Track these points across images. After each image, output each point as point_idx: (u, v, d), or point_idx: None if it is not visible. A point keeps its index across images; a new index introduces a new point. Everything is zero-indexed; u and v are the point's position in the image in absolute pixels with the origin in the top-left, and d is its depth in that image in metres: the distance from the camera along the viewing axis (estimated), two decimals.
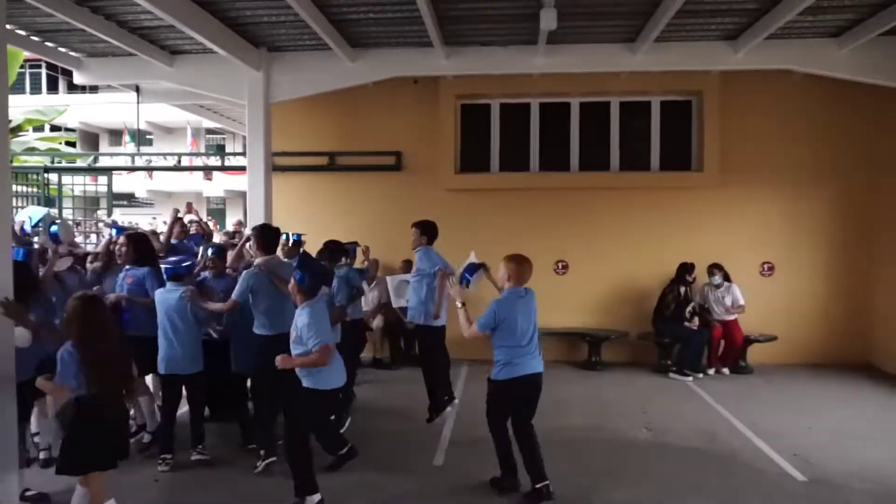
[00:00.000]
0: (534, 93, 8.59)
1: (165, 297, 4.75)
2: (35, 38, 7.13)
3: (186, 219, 7.37)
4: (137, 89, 8.96)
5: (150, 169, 11.88)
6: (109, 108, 22.74)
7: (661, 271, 8.09)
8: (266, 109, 7.57)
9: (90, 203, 14.37)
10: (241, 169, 9.57)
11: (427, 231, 5.70)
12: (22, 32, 6.97)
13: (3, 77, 3.76)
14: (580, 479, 4.64)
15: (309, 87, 7.74)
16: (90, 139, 28.44)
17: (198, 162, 19.24)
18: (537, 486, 4.21)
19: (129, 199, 25.74)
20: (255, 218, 7.40)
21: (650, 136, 8.65)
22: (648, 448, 5.37)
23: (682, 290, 7.79)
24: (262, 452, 4.72)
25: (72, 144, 23.39)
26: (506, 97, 8.74)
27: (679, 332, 7.75)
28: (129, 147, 24.70)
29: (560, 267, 8.65)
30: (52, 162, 10.77)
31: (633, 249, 8.49)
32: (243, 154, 15.91)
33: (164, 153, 17.06)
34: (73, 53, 7.79)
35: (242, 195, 26.72)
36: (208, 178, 25.05)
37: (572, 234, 8.59)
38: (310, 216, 8.40)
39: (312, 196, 8.81)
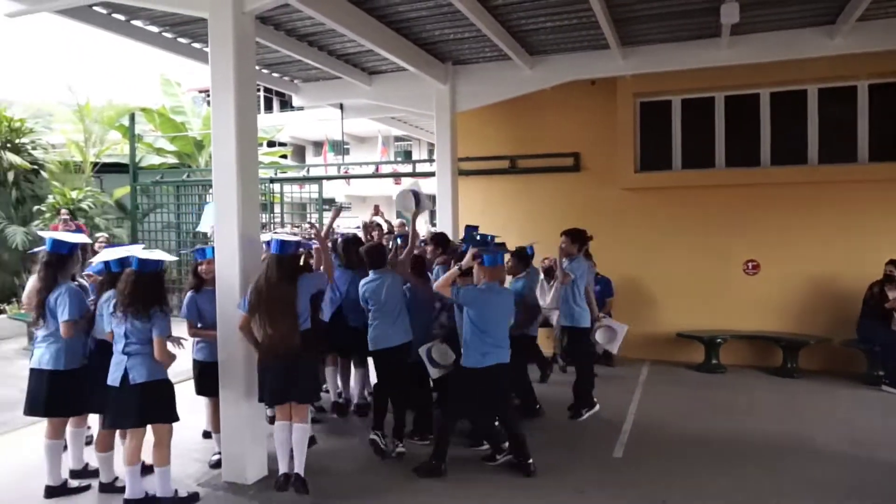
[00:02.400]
0: (718, 86, 8.26)
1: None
2: (264, 71, 8.46)
3: (375, 220, 8.25)
4: (341, 107, 10.14)
5: (352, 177, 13.26)
6: (314, 123, 25.58)
7: (867, 272, 7.33)
8: (452, 118, 8.20)
9: (298, 208, 16.42)
10: (428, 174, 10.43)
11: (578, 239, 5.89)
12: (257, 67, 8.33)
13: (253, 107, 4.65)
14: (770, 486, 4.51)
15: (490, 95, 8.22)
16: (298, 151, 32.12)
17: (388, 169, 20.90)
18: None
19: (329, 204, 28.66)
20: (444, 219, 8.06)
21: (856, 124, 7.88)
22: (852, 461, 4.97)
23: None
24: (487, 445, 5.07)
25: (283, 157, 26.63)
26: (687, 93, 8.50)
27: (889, 338, 6.99)
28: (330, 157, 27.53)
29: (750, 267, 8.21)
30: (275, 174, 12.51)
31: (834, 248, 7.80)
32: (428, 160, 16.99)
33: (361, 162, 18.82)
34: (292, 80, 9.10)
35: (430, 198, 28.49)
36: (397, 182, 27.03)
37: (763, 232, 8.11)
38: (491, 217, 8.88)
39: (494, 198, 9.31)
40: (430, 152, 28.45)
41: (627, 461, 4.99)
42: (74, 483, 4.51)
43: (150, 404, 4.00)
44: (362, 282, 5.23)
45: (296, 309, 4.18)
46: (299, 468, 4.23)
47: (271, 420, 5.03)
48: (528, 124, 9.19)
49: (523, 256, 6.18)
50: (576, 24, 6.70)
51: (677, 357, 8.27)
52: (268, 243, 4.33)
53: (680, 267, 8.39)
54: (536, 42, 7.38)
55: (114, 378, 3.99)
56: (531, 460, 4.67)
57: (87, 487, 4.50)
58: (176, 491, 4.20)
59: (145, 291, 3.95)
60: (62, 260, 4.35)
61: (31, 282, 4.53)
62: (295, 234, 7.44)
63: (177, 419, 4.14)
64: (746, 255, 8.19)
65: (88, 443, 4.97)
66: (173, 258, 4.89)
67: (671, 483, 4.54)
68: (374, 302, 5.10)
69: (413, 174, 10.74)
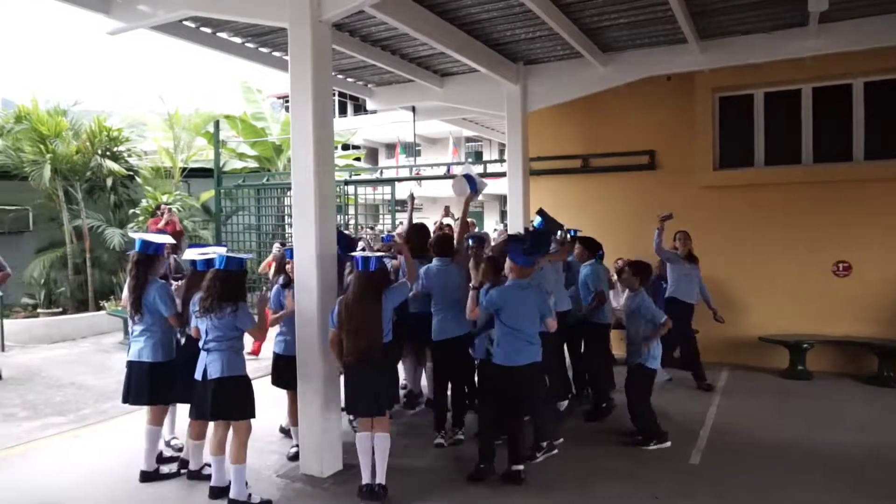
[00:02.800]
0: (804, 78, 7.83)
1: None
2: (340, 76, 8.71)
3: (444, 221, 8.32)
4: (413, 109, 10.31)
5: (424, 178, 13.43)
6: (386, 126, 26.08)
7: None
8: (523, 118, 8.17)
9: (371, 210, 16.76)
10: (498, 174, 10.43)
11: (641, 272, 5.62)
12: (333, 73, 8.60)
13: (329, 112, 4.81)
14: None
15: (562, 94, 8.14)
16: (371, 154, 32.81)
17: (459, 169, 21.05)
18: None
19: (401, 205, 29.09)
20: (514, 219, 8.05)
21: None
22: None
23: None
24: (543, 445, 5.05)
25: (357, 160, 27.28)
26: (770, 86, 8.11)
27: None
28: (402, 159, 27.99)
29: (841, 268, 7.74)
30: (350, 176, 12.85)
31: None
32: (499, 160, 16.96)
33: (433, 164, 19.02)
34: (366, 85, 9.32)
35: (498, 198, 28.47)
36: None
37: (856, 232, 7.62)
38: (562, 218, 8.72)
39: (566, 198, 9.20)
40: (501, 152, 28.42)
41: (705, 469, 4.82)
42: (165, 469, 4.80)
43: (224, 400, 4.15)
44: (424, 267, 5.33)
45: (380, 324, 4.24)
46: (381, 477, 4.30)
47: (353, 425, 5.26)
48: (600, 122, 9.03)
49: (592, 243, 6.35)
50: (651, 18, 6.55)
51: (760, 362, 7.91)
52: (353, 258, 4.43)
53: (762, 268, 8.02)
54: (609, 39, 7.26)
55: (198, 372, 4.23)
56: (521, 467, 4.58)
57: (177, 474, 4.77)
58: (250, 495, 4.24)
59: (225, 289, 4.14)
60: (150, 259, 4.69)
61: (128, 281, 4.87)
62: (373, 236, 7.63)
63: (251, 416, 4.28)
64: (837, 256, 7.73)
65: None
66: (249, 256, 5.11)
67: (750, 494, 4.37)
68: (435, 289, 5.25)
69: (484, 175, 10.76)
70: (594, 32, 7.01)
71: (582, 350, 6.36)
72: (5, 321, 9.71)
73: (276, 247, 5.86)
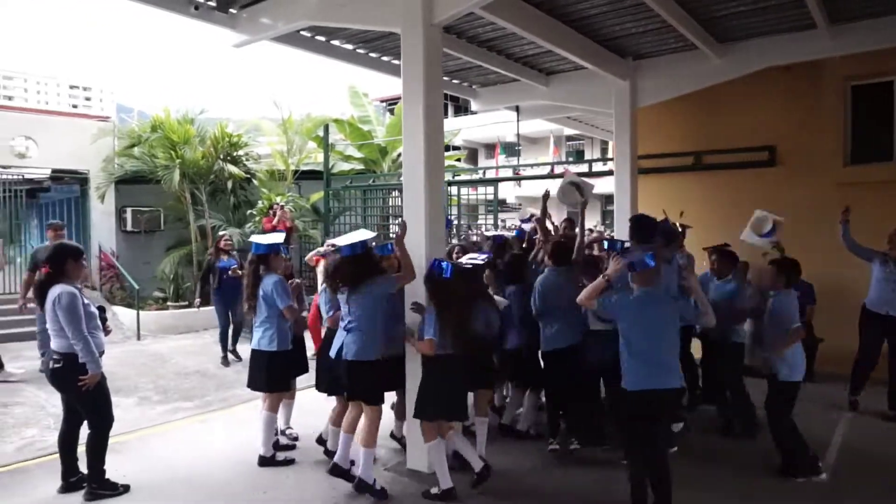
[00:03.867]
0: None
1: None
2: (445, 78, 8.82)
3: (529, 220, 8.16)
4: (517, 109, 10.26)
5: (526, 178, 13.36)
6: (486, 127, 26.13)
7: None
8: (632, 115, 7.92)
9: (471, 210, 16.83)
10: (601, 174, 10.18)
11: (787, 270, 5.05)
12: None
13: (440, 113, 4.88)
14: None
15: (674, 89, 7.83)
16: (471, 154, 33.03)
17: (562, 169, 20.72)
18: None
19: (500, 205, 29.10)
20: (621, 219, 7.81)
21: None
22: None
23: None
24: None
25: (457, 160, 27.55)
26: None
27: None
28: (502, 159, 27.96)
29: None
30: (452, 177, 13.00)
31: None
32: (602, 159, 16.50)
33: (535, 163, 18.86)
34: (470, 86, 9.38)
35: (600, 198, 27.79)
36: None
37: None
38: (673, 218, 8.42)
39: (675, 197, 8.79)
40: (604, 150, 27.74)
41: (835, 487, 4.48)
42: (281, 456, 5.06)
43: (356, 382, 4.34)
44: (540, 278, 5.20)
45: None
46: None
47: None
48: (714, 117, 8.57)
49: (730, 255, 5.66)
50: (775, 4, 6.15)
51: None
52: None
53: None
54: (726, 28, 6.89)
55: (333, 350, 4.49)
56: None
57: (293, 461, 5.02)
58: (375, 480, 4.38)
59: (355, 271, 4.32)
60: (265, 258, 5.02)
61: (246, 278, 5.22)
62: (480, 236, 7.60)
63: (379, 402, 4.42)
64: None
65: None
66: (372, 234, 5.07)
67: None
68: (551, 299, 5.06)
69: (588, 174, 10.52)
70: (710, 22, 6.68)
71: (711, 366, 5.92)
72: (140, 313, 10.62)
73: (327, 245, 5.66)
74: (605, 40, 7.21)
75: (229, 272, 8.57)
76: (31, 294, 7.71)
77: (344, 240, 4.68)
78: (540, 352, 5.32)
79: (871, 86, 7.69)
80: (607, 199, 27.75)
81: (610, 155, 8.38)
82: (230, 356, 8.67)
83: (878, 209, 7.45)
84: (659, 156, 8.89)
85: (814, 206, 7.61)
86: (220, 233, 9.55)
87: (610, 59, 7.53)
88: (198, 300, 9.70)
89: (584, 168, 10.33)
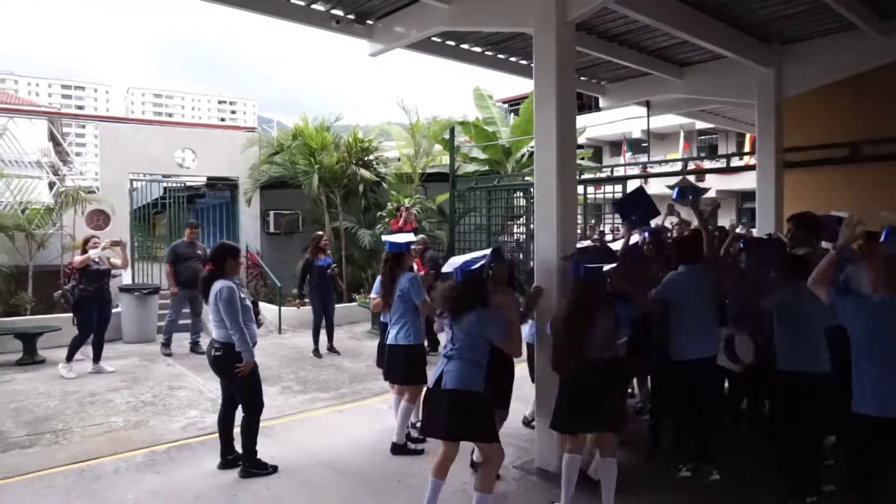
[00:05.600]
0: None
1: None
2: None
3: (667, 222, 7.72)
4: (647, 104, 9.88)
5: (655, 175, 12.83)
6: (611, 124, 25.35)
7: None
8: (777, 106, 7.37)
9: (592, 209, 16.41)
10: (738, 169, 9.50)
11: None
12: None
13: (573, 112, 4.82)
14: None
15: (826, 74, 7.20)
16: (595, 152, 32.22)
17: (693, 164, 19.70)
18: None
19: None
20: (765, 217, 7.30)
21: None
22: None
23: None
24: None
25: (582, 159, 27.00)
26: None
27: None
28: (628, 156, 27.02)
29: None
30: (579, 176, 12.76)
31: None
32: (737, 154, 15.46)
33: (666, 160, 18.07)
34: (599, 82, 9.17)
35: (735, 195, 26.06)
36: (700, 180, 25.33)
37: None
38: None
39: (825, 193, 8.06)
40: (739, 144, 25.97)
41: None
42: (412, 446, 5.25)
43: (459, 416, 3.68)
44: (667, 277, 4.73)
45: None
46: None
47: None
48: (875, 102, 7.75)
49: None
50: None
51: None
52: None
53: None
54: (891, 2, 6.20)
55: (432, 379, 3.87)
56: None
57: (422, 451, 5.19)
58: None
59: (463, 297, 3.79)
60: (398, 257, 5.30)
61: (380, 276, 5.51)
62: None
63: (492, 439, 3.78)
64: None
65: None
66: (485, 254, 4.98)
67: None
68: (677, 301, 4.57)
69: (726, 170, 9.91)
70: None
71: None
72: (281, 308, 11.41)
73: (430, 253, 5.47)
74: (747, 26, 6.76)
75: (328, 270, 9.09)
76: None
77: (455, 262, 4.10)
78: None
79: None
80: (743, 196, 25.99)
81: (746, 149, 7.79)
82: (326, 351, 9.18)
83: None
84: (807, 148, 8.19)
85: None
86: (318, 233, 10.01)
87: (752, 45, 7.04)
88: (297, 301, 10.14)
89: (719, 164, 9.69)
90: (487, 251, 4.40)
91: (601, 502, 4.01)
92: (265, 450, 4.98)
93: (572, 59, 4.81)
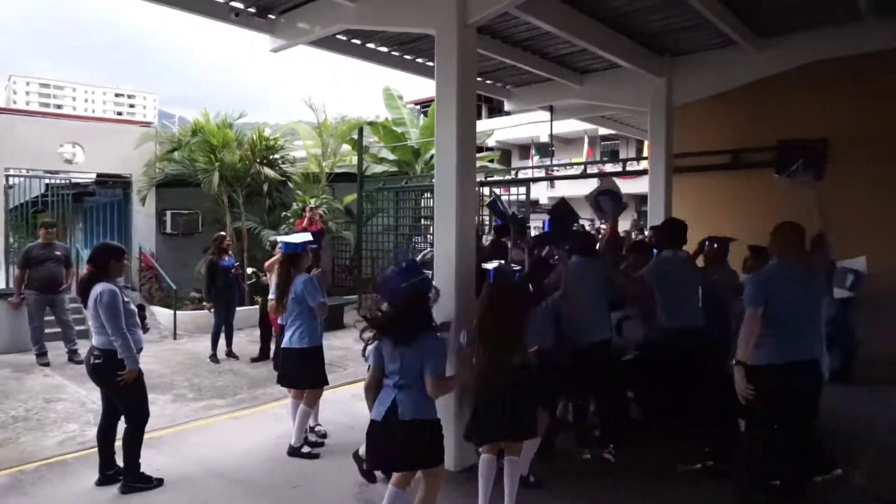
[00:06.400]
0: None
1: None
2: (479, 78, 8.79)
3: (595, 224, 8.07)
4: (551, 109, 10.16)
5: (558, 178, 13.24)
6: (520, 127, 26.01)
7: None
8: (668, 113, 7.77)
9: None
10: (636, 173, 10.03)
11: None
12: None
13: (473, 115, 4.84)
14: None
15: (712, 86, 7.66)
16: (504, 155, 32.88)
17: (595, 169, 20.48)
18: None
19: (533, 206, 28.94)
20: (656, 219, 7.65)
21: None
22: None
23: None
24: None
25: (491, 161, 27.47)
26: None
27: None
28: (536, 160, 27.79)
29: None
30: (485, 178, 12.96)
31: None
32: (636, 159, 16.22)
33: (569, 163, 18.68)
34: (504, 86, 9.32)
35: (634, 198, 27.38)
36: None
37: None
38: (704, 220, 8.12)
39: (711, 197, 8.59)
40: (639, 150, 27.29)
41: None
42: (307, 449, 5.12)
43: (420, 447, 3.45)
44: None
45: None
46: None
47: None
48: (754, 113, 8.34)
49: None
50: None
51: None
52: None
53: None
54: (768, 22, 6.69)
55: (378, 411, 3.48)
56: None
57: (318, 455, 5.07)
58: None
59: (412, 318, 3.45)
60: (293, 258, 5.15)
61: (275, 278, 5.36)
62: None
63: (443, 461, 3.61)
64: None
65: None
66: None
67: None
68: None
69: (622, 173, 10.38)
70: (750, 16, 6.49)
71: None
72: (177, 312, 10.83)
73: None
74: (642, 37, 7.09)
75: (232, 270, 8.86)
76: (23, 290, 7.90)
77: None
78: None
79: None
80: (642, 199, 27.37)
81: (645, 154, 8.24)
82: (225, 357, 8.88)
83: None
84: (694, 154, 8.70)
85: (874, 206, 7.29)
86: (220, 233, 9.55)
87: (646, 56, 7.39)
88: (209, 304, 9.27)
89: (618, 168, 10.16)
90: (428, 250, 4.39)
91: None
92: (151, 462, 4.68)
93: (473, 62, 4.84)
